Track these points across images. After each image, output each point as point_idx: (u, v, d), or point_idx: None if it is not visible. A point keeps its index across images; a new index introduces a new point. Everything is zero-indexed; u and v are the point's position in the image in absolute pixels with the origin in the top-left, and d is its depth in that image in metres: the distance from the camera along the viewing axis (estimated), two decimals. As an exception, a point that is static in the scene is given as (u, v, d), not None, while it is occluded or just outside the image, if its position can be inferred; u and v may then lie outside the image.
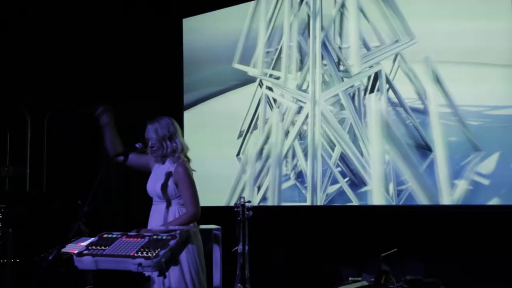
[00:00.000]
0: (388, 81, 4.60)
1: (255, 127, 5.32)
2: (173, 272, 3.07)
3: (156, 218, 3.28)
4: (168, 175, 3.27)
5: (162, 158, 3.34)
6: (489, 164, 4.13)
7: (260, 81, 5.32)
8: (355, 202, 4.71)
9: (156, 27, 5.86)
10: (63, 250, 3.04)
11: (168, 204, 3.28)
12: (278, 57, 5.22)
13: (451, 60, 4.31)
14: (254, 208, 3.67)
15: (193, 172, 3.35)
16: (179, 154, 3.28)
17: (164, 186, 3.25)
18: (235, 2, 5.49)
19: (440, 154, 4.33)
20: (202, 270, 3.20)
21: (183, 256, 3.06)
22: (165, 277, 2.60)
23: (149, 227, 3.26)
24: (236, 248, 3.15)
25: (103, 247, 2.68)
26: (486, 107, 4.18)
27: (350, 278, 4.31)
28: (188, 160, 3.37)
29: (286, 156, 5.09)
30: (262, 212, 4.58)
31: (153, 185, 3.32)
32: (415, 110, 4.48)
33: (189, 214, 3.17)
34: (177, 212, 3.26)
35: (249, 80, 5.42)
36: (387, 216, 4.57)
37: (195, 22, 5.84)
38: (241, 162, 5.38)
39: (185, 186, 3.22)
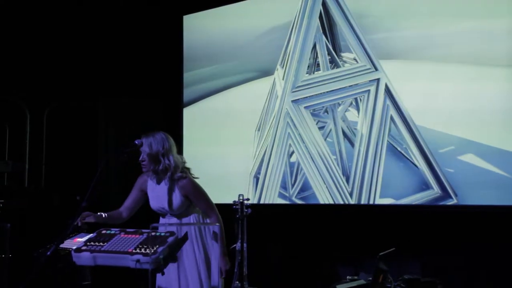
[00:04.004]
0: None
1: (259, 125, 5.30)
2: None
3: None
4: (170, 192, 3.30)
5: (155, 175, 3.35)
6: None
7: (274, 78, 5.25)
8: (352, 201, 4.71)
9: (156, 23, 5.85)
10: (61, 245, 3.04)
11: (183, 215, 3.36)
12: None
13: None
14: (252, 206, 3.67)
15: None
16: (171, 173, 3.28)
17: (171, 203, 3.30)
18: (236, 0, 5.48)
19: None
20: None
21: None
22: (163, 273, 2.60)
23: None
24: (234, 245, 3.15)
25: (101, 243, 2.68)
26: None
27: (348, 277, 4.30)
28: (188, 169, 3.39)
29: (283, 154, 5.08)
30: (261, 210, 4.58)
31: (159, 203, 3.34)
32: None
33: (215, 219, 3.35)
34: (195, 219, 3.37)
35: (250, 77, 5.41)
36: (385, 215, 4.57)
37: (195, 19, 5.83)
38: (242, 160, 5.37)
39: (198, 196, 3.34)
